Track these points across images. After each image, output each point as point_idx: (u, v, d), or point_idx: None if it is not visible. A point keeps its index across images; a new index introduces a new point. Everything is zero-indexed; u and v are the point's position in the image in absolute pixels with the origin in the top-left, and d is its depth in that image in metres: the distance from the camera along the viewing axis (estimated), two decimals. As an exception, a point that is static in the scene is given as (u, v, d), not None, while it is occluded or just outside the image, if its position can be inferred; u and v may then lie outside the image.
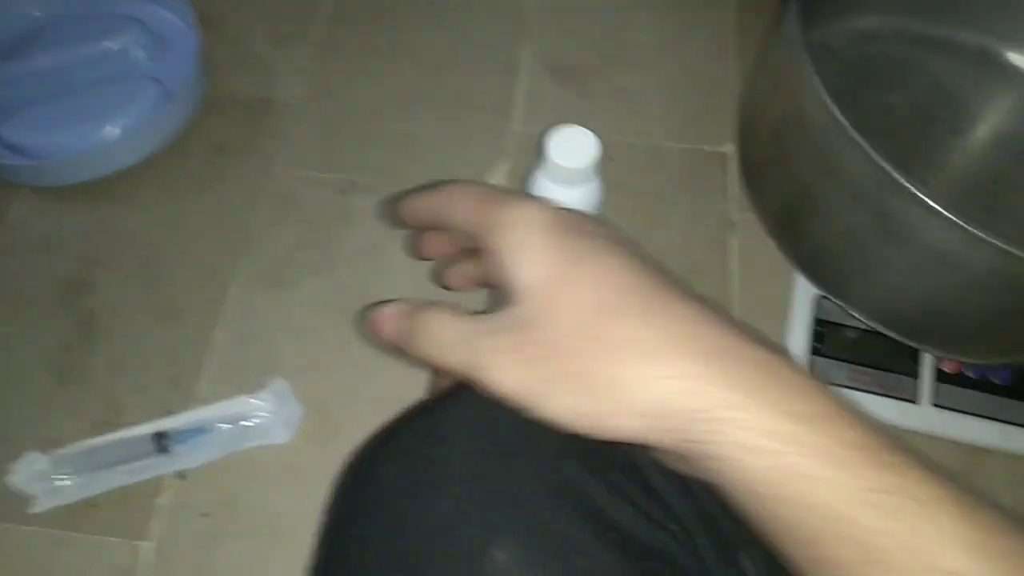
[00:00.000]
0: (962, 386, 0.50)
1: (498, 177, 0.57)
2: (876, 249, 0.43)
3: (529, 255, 0.24)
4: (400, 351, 0.26)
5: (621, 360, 0.22)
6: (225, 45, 0.61)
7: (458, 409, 0.27)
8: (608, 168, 0.58)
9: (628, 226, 0.55)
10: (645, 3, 0.65)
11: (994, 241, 0.36)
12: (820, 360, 0.50)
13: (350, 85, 0.60)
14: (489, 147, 0.58)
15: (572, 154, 0.41)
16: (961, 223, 0.36)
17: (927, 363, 0.50)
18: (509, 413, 0.23)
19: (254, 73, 0.61)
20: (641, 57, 0.62)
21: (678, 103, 0.60)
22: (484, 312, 0.24)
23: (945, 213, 0.37)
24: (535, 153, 0.55)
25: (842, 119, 0.39)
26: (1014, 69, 0.56)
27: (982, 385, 0.50)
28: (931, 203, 0.37)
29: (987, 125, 0.55)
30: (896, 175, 0.38)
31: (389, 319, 0.26)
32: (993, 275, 0.39)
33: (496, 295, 0.25)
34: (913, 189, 0.37)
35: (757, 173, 0.51)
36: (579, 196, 0.43)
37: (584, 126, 0.60)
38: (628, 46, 0.63)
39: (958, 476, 0.21)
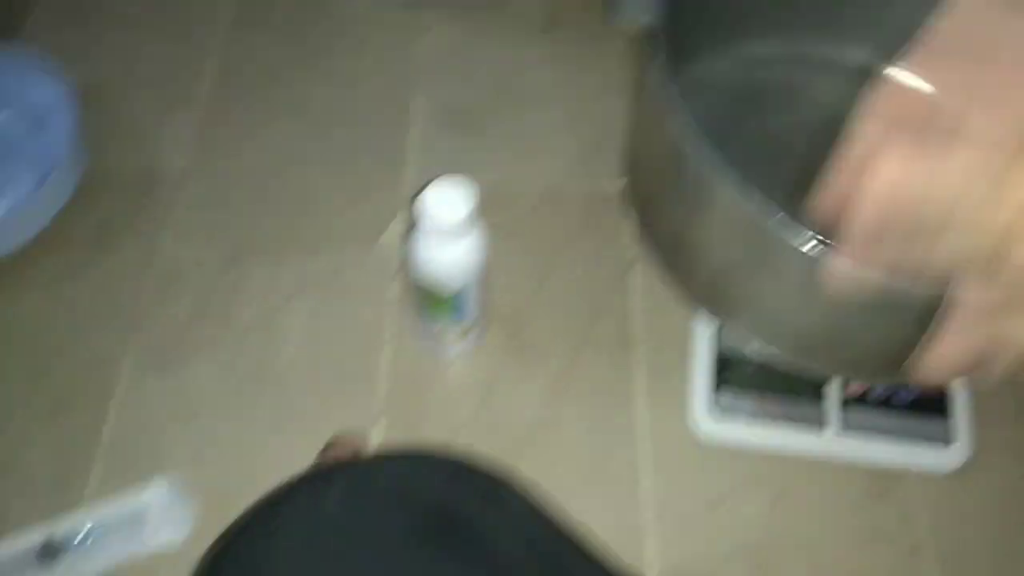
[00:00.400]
0: (867, 409, 0.49)
1: (393, 230, 0.56)
2: (757, 278, 0.42)
3: None
4: None
5: None
6: (106, 117, 0.60)
7: (296, 510, 0.26)
8: (506, 212, 0.58)
9: (527, 270, 0.55)
10: (536, 42, 0.65)
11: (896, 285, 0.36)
12: (724, 393, 0.49)
13: (237, 150, 0.59)
14: (384, 201, 0.57)
15: (449, 207, 0.40)
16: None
17: (832, 388, 0.50)
18: (346, 508, 0.22)
19: (137, 144, 0.59)
20: (535, 97, 0.62)
21: (574, 142, 0.60)
22: None
23: (803, 251, 0.36)
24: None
25: (709, 153, 0.38)
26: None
27: (887, 405, 0.50)
28: (795, 235, 0.36)
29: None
30: (762, 207, 0.37)
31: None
32: (876, 302, 0.39)
33: None
34: (778, 222, 0.37)
35: (644, 209, 0.51)
36: (460, 248, 0.42)
37: (479, 171, 0.60)
38: (521, 87, 0.63)
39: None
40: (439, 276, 0.43)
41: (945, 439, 0.49)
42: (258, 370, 0.50)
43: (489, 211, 0.57)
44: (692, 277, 0.47)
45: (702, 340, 0.51)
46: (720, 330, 0.51)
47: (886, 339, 0.43)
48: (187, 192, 0.57)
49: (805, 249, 0.37)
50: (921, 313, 0.39)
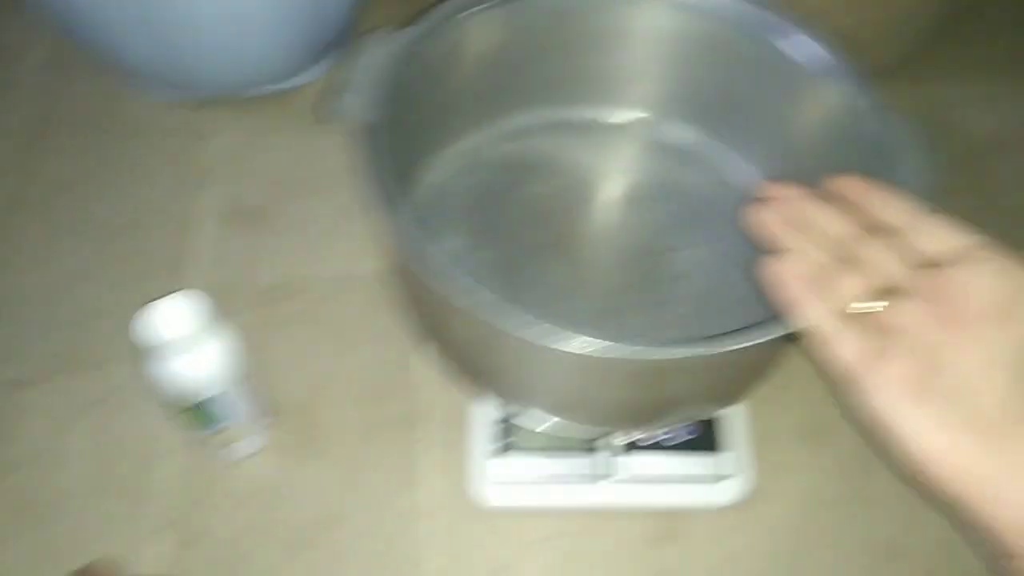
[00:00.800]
0: (644, 454, 0.51)
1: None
2: (498, 360, 0.44)
3: None
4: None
5: None
6: None
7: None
8: (296, 302, 0.58)
9: (318, 358, 0.55)
10: (320, 133, 0.65)
11: (583, 349, 0.37)
12: (507, 458, 0.50)
13: (16, 275, 0.59)
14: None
15: (172, 323, 0.41)
16: (543, 341, 0.37)
17: (608, 440, 0.51)
18: None
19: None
20: (321, 186, 0.63)
21: (361, 226, 0.61)
22: None
23: (525, 336, 0.37)
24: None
25: (427, 251, 0.39)
26: (638, 134, 0.60)
27: (663, 448, 0.51)
28: (513, 328, 0.37)
29: (627, 190, 0.59)
30: (481, 308, 0.38)
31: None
32: (602, 369, 0.41)
33: None
34: (499, 321, 0.37)
35: (405, 297, 0.52)
36: (201, 358, 0.42)
37: (269, 265, 0.60)
38: (307, 178, 0.64)
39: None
40: (181, 390, 0.43)
41: (721, 473, 0.51)
42: (44, 499, 0.49)
43: (280, 305, 0.58)
44: (449, 359, 0.49)
45: (482, 411, 0.52)
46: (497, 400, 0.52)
47: (626, 397, 0.45)
48: (-36, 321, 0.56)
49: (526, 336, 0.37)
50: (655, 374, 0.41)
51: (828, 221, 0.34)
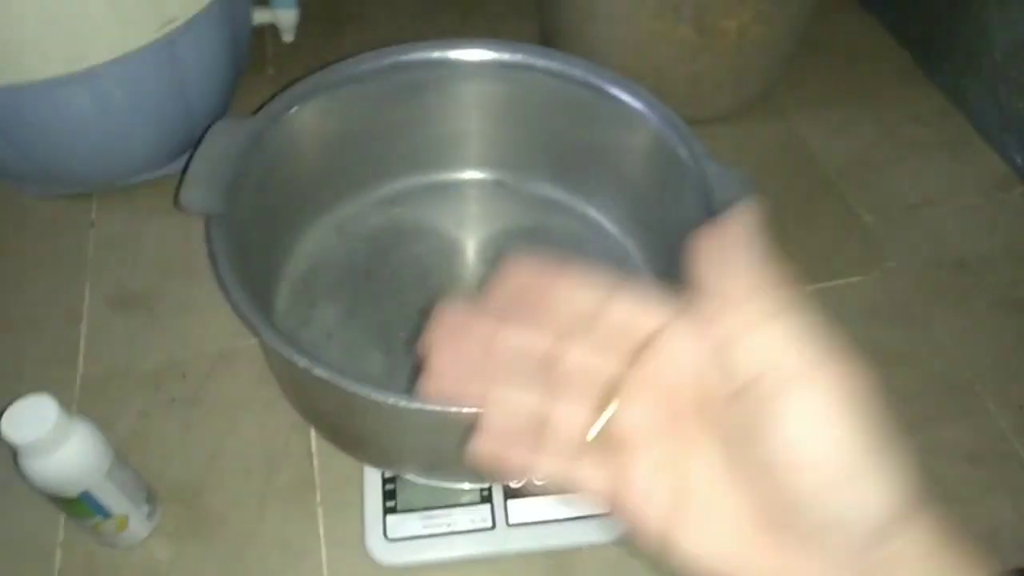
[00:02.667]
0: (531, 497, 0.53)
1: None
2: (365, 427, 0.45)
3: None
4: None
5: None
6: None
7: None
8: (183, 384, 0.59)
9: (206, 436, 0.56)
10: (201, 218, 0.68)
11: (431, 408, 0.39)
12: (395, 516, 0.51)
13: None
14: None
15: (28, 427, 0.41)
16: (395, 401, 0.39)
17: (494, 488, 0.53)
18: None
19: None
20: (203, 268, 0.64)
21: (243, 301, 0.62)
22: None
23: (376, 398, 0.39)
24: (99, 396, 0.55)
25: (281, 343, 0.41)
26: (498, 189, 0.63)
27: (549, 490, 0.53)
28: (363, 393, 0.39)
29: (496, 242, 0.62)
30: (329, 377, 0.40)
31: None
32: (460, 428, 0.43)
33: None
34: (349, 388, 0.39)
35: (282, 378, 0.53)
36: (59, 460, 0.43)
37: (153, 349, 0.61)
38: (190, 260, 0.65)
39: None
40: (52, 485, 0.43)
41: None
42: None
43: (165, 387, 0.58)
44: (322, 428, 0.50)
45: (370, 473, 0.53)
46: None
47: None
48: None
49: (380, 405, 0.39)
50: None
51: (511, 348, 0.25)
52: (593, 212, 0.62)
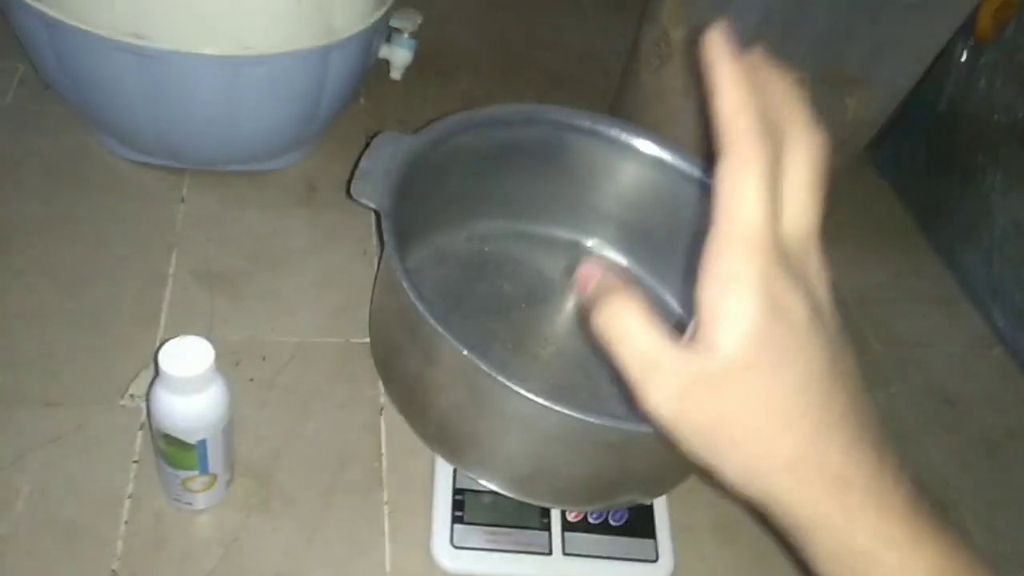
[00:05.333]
0: (586, 532, 0.56)
1: (141, 386, 0.56)
2: (477, 421, 0.49)
3: (745, 323, 0.26)
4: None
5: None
6: None
7: None
8: (261, 367, 0.60)
9: (281, 421, 0.57)
10: (294, 212, 0.71)
11: (561, 409, 0.43)
12: (461, 527, 0.54)
13: (-27, 308, 0.58)
14: (134, 358, 0.58)
15: (184, 363, 0.43)
16: (529, 395, 0.43)
17: (555, 516, 0.56)
18: None
19: None
20: (290, 261, 0.67)
21: (325, 301, 0.65)
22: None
23: (516, 388, 0.43)
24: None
25: (439, 327, 0.44)
26: (590, 253, 0.69)
27: (603, 528, 0.57)
28: (504, 381, 0.43)
29: (576, 300, 0.67)
30: (484, 365, 0.43)
31: (590, 278, 0.30)
32: (570, 435, 0.47)
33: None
34: (490, 371, 0.43)
35: (384, 363, 0.56)
36: (196, 403, 0.44)
37: (235, 329, 0.62)
38: (277, 252, 0.68)
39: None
40: (179, 427, 0.44)
41: (652, 556, 0.57)
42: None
43: (244, 366, 0.60)
44: (424, 420, 0.53)
45: (442, 479, 0.56)
46: (455, 469, 0.56)
47: (585, 471, 0.51)
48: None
49: (515, 392, 0.43)
50: (614, 447, 0.48)
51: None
52: (667, 295, 0.68)
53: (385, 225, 0.48)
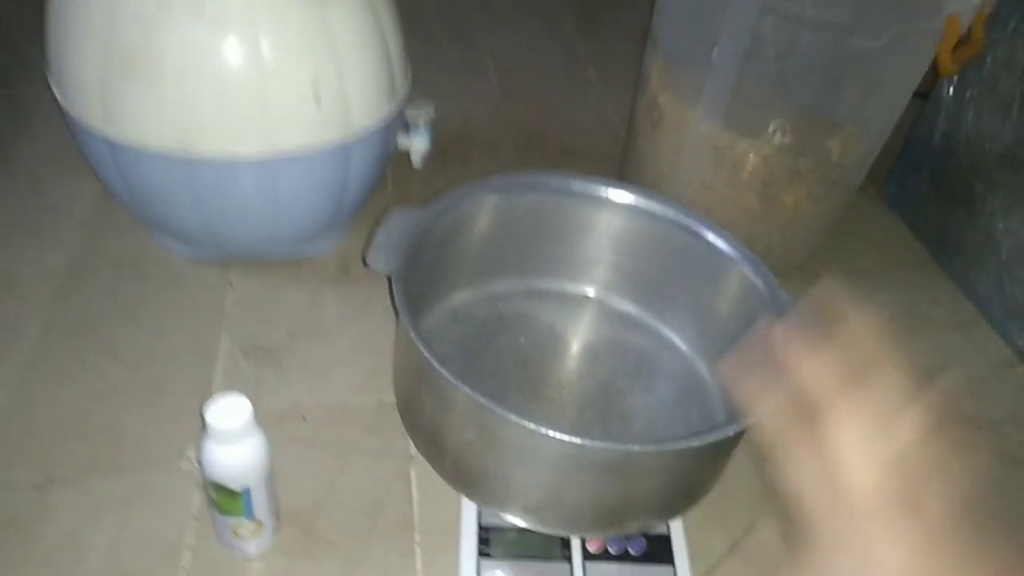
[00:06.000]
0: (606, 561, 0.59)
1: (197, 450, 0.63)
2: (487, 456, 0.54)
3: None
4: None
5: None
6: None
7: None
8: (302, 427, 0.67)
9: (320, 473, 0.63)
10: (329, 289, 0.78)
11: (554, 435, 0.48)
12: (487, 561, 0.58)
13: (55, 391, 0.66)
14: (190, 425, 0.65)
15: (226, 417, 0.49)
16: (525, 423, 0.48)
17: (575, 548, 0.60)
18: None
19: (-45, 392, 0.65)
20: (326, 333, 0.74)
21: (359, 366, 0.72)
22: None
23: (513, 418, 0.48)
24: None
25: (443, 371, 0.50)
26: (595, 303, 0.75)
27: (622, 558, 0.60)
28: (502, 412, 0.48)
29: (586, 347, 0.72)
30: (485, 401, 0.49)
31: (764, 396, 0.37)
32: (569, 461, 0.51)
33: None
34: (489, 405, 0.49)
35: (405, 412, 0.62)
36: (238, 452, 0.50)
37: (278, 395, 0.69)
38: (315, 325, 0.75)
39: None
40: (225, 475, 0.51)
41: (672, 583, 0.60)
42: (58, 586, 0.54)
43: (287, 427, 0.66)
44: (442, 462, 0.58)
45: (468, 517, 0.60)
46: (480, 508, 0.61)
47: (589, 496, 0.55)
48: (5, 426, 0.63)
49: (513, 423, 0.48)
50: (612, 469, 0.52)
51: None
52: (670, 333, 0.73)
53: (396, 286, 0.55)
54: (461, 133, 1.05)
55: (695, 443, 0.49)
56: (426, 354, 0.51)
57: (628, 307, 0.74)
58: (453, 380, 0.50)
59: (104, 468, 0.61)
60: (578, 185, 0.68)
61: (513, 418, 0.48)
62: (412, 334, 0.52)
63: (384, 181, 0.93)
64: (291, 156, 0.68)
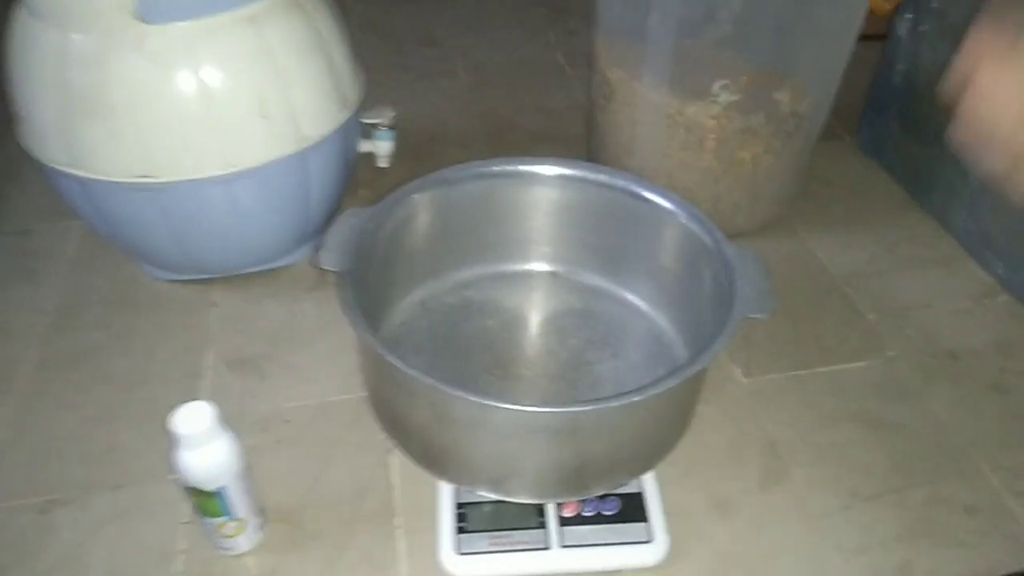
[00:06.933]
0: (581, 524, 0.61)
1: (188, 462, 0.67)
2: (444, 434, 0.56)
3: None
4: None
5: None
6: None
7: None
8: (287, 428, 0.70)
9: (305, 469, 0.66)
10: (306, 298, 0.81)
11: (495, 404, 0.50)
12: (465, 536, 0.60)
13: (53, 420, 0.70)
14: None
15: (191, 422, 0.52)
16: (478, 399, 0.50)
17: (551, 514, 0.62)
18: None
19: (-39, 430, 0.69)
20: (305, 339, 0.77)
21: (338, 366, 0.75)
22: None
23: (454, 392, 0.50)
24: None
25: (390, 356, 0.53)
26: (556, 278, 0.76)
27: (596, 519, 0.62)
28: (443, 387, 0.50)
29: (552, 322, 0.74)
30: (430, 380, 0.51)
31: None
32: (517, 429, 0.53)
33: None
34: (433, 382, 0.51)
35: (373, 401, 0.64)
36: (208, 454, 0.53)
37: (262, 402, 0.72)
38: (294, 334, 0.78)
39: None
40: (197, 477, 0.54)
41: (647, 538, 0.61)
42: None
43: (272, 430, 0.69)
44: (409, 444, 0.61)
45: (445, 496, 0.62)
46: (456, 487, 0.63)
47: (548, 460, 0.56)
48: (3, 458, 0.67)
49: (457, 397, 0.50)
50: (562, 433, 0.54)
51: None
52: (632, 296, 0.74)
53: (344, 282, 0.57)
54: (432, 131, 1.08)
55: (636, 398, 0.50)
56: (372, 341, 0.53)
57: (587, 277, 0.76)
58: (400, 364, 0.52)
59: (103, 485, 0.65)
60: (523, 167, 0.70)
61: (458, 393, 0.50)
62: (356, 323, 0.54)
63: (355, 185, 0.95)
64: (249, 172, 0.71)
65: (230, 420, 0.69)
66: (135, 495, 0.64)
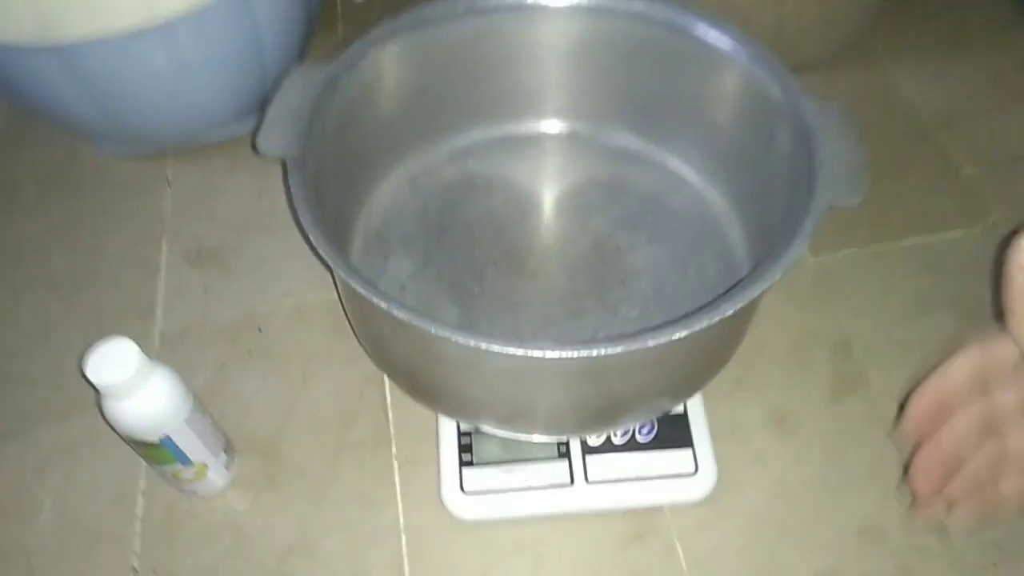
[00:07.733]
0: (611, 452, 0.51)
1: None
2: (435, 371, 0.44)
3: None
4: None
5: None
6: None
7: None
8: (258, 337, 0.59)
9: (281, 389, 0.56)
10: (273, 173, 0.67)
11: (509, 350, 0.37)
12: (471, 470, 0.50)
13: (-12, 333, 0.60)
14: (137, 353, 0.58)
15: (111, 369, 0.41)
16: (466, 340, 0.37)
17: (574, 442, 0.51)
18: None
19: None
20: (276, 224, 0.64)
21: (315, 259, 0.62)
22: None
23: (442, 333, 0.38)
24: (177, 348, 0.55)
25: (345, 274, 0.40)
26: (578, 141, 0.61)
27: (630, 446, 0.51)
28: (444, 332, 0.37)
29: (574, 197, 0.59)
30: (403, 314, 0.38)
31: None
32: (522, 372, 0.41)
33: None
34: (421, 322, 0.38)
35: (355, 326, 0.52)
36: (139, 403, 0.43)
37: (229, 304, 0.61)
38: (262, 218, 0.65)
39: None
40: (135, 430, 0.43)
41: (692, 468, 0.51)
42: (9, 550, 0.50)
43: (242, 340, 0.59)
44: (396, 375, 0.49)
45: (446, 423, 0.52)
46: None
47: (566, 400, 0.45)
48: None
49: (463, 342, 0.37)
50: (576, 375, 0.41)
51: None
52: (675, 162, 0.59)
53: (292, 177, 0.43)
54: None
55: (680, 333, 0.37)
56: (336, 262, 0.40)
57: (616, 138, 0.60)
58: (366, 291, 0.39)
59: (48, 414, 0.56)
60: (527, -3, 0.53)
61: (443, 333, 0.37)
62: (314, 236, 0.41)
63: (333, 23, 0.78)
64: (176, 20, 0.55)
65: (192, 328, 0.59)
66: (86, 426, 0.54)
